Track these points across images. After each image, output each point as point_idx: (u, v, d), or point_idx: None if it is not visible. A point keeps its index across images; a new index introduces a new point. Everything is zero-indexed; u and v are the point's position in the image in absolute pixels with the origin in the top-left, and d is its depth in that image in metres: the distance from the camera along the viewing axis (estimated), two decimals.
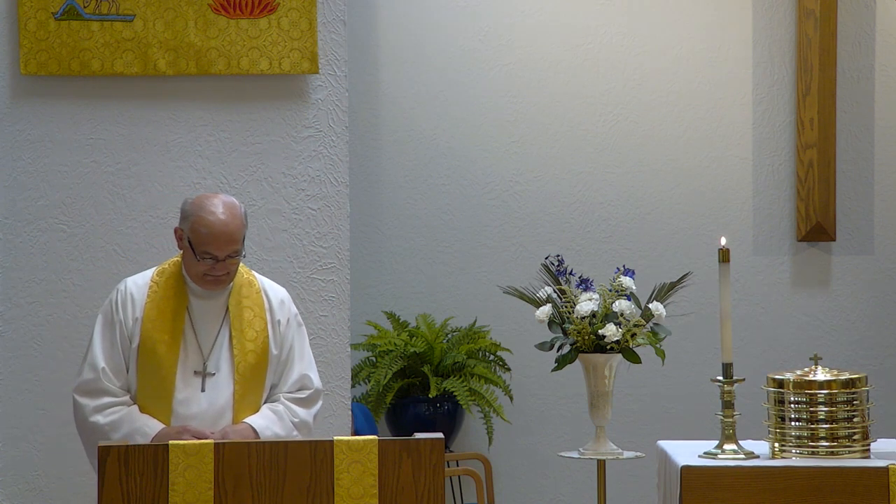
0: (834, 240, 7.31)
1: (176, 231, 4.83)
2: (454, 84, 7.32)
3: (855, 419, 4.75)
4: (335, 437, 4.28)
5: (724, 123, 7.36)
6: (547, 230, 7.32)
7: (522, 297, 5.55)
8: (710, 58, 7.35)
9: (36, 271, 6.35)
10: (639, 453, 5.52)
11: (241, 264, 4.87)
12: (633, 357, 5.40)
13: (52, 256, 6.36)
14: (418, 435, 4.35)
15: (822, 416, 4.73)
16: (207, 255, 4.70)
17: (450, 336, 7.21)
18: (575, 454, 5.48)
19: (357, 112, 7.10)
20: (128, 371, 4.79)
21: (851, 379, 4.78)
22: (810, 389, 4.74)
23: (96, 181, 6.38)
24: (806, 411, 4.74)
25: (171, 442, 4.26)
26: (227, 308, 4.83)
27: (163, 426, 4.70)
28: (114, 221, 6.39)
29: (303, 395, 4.88)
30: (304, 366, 4.91)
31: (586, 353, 5.38)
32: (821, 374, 4.79)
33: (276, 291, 4.94)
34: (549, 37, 7.32)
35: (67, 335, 6.34)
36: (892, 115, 7.37)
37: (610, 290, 5.44)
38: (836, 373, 4.81)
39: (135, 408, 4.75)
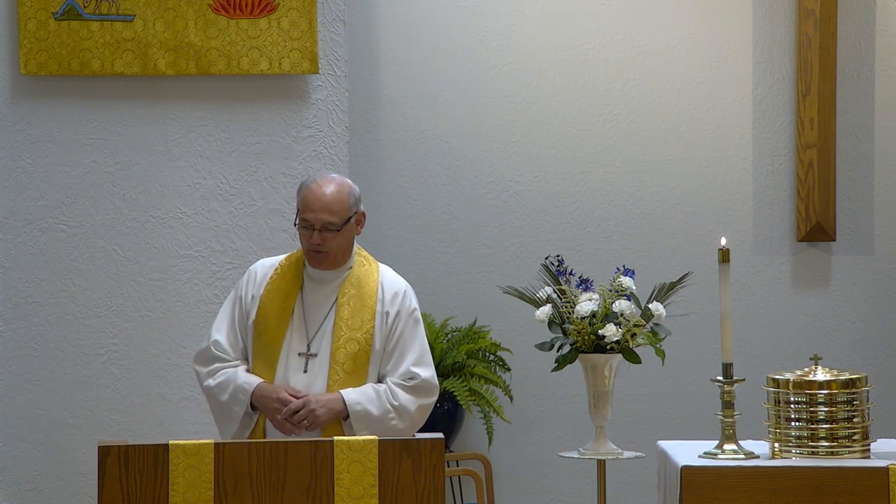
0: (834, 240, 7.30)
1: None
2: (454, 84, 7.32)
3: (855, 419, 4.74)
4: (335, 437, 4.28)
5: (723, 123, 7.36)
6: (547, 230, 7.32)
7: (522, 297, 5.55)
8: (710, 58, 7.35)
9: (36, 271, 6.35)
10: (639, 453, 5.52)
11: (366, 255, 4.98)
12: (633, 357, 5.40)
13: (52, 256, 6.36)
14: (418, 435, 4.35)
15: (822, 417, 4.73)
16: (305, 221, 4.85)
17: (450, 336, 7.21)
18: (575, 454, 5.48)
19: (357, 112, 7.10)
20: (246, 347, 4.94)
21: (851, 379, 4.78)
22: (810, 389, 4.74)
23: (96, 181, 6.38)
24: (806, 411, 4.74)
25: (171, 442, 4.26)
26: (337, 294, 4.91)
27: (262, 381, 4.82)
28: (114, 221, 6.39)
29: (410, 383, 4.90)
30: (414, 360, 4.92)
31: (586, 353, 5.38)
32: (821, 375, 4.79)
33: (393, 283, 4.99)
34: (548, 37, 7.32)
35: (67, 335, 6.34)
36: (892, 115, 7.36)
37: (610, 290, 5.44)
38: (836, 373, 4.81)
39: (240, 368, 4.88)
